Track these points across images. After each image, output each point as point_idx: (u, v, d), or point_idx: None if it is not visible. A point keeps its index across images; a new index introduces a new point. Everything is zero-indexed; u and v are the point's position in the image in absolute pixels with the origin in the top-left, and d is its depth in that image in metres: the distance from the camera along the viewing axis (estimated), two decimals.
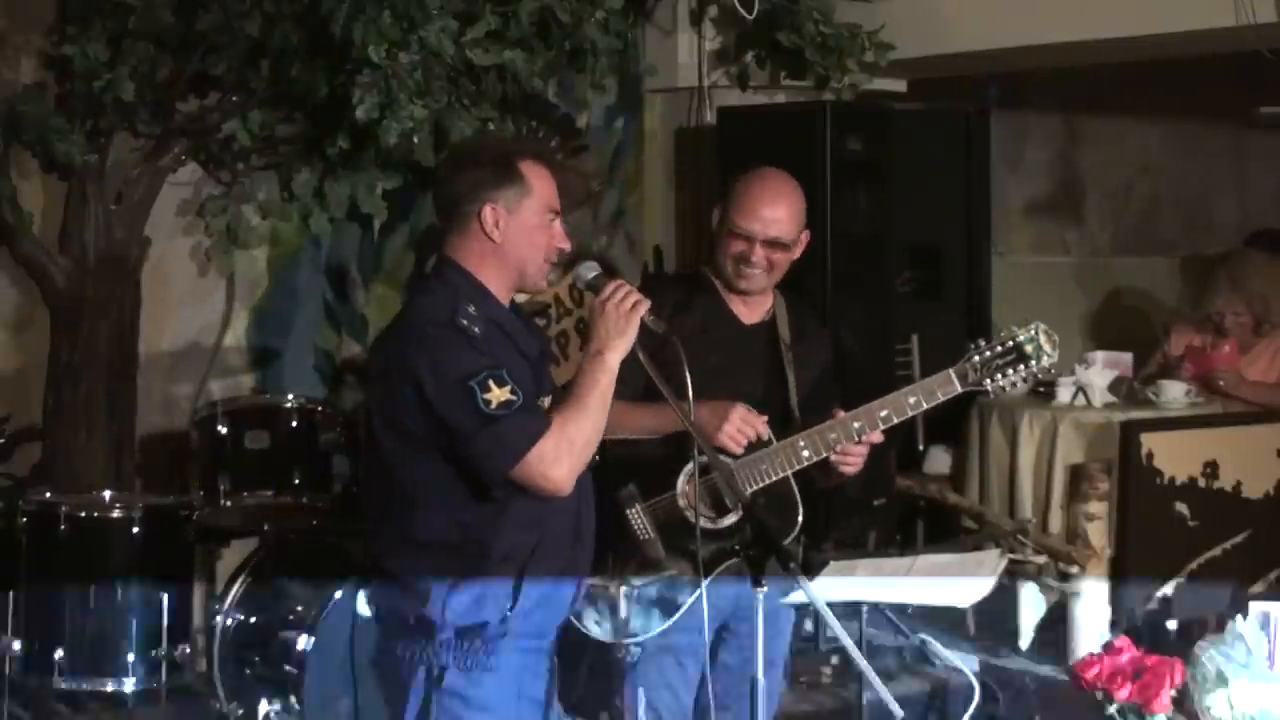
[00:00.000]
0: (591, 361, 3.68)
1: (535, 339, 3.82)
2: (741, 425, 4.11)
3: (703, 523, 4.12)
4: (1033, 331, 4.20)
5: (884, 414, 4.17)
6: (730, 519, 4.14)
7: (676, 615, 4.17)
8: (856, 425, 4.16)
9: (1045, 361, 4.20)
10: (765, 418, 4.16)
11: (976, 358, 4.18)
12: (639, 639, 4.14)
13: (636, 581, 4.10)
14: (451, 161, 3.82)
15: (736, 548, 3.98)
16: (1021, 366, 4.19)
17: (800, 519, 4.20)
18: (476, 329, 3.58)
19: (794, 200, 4.35)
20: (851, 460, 4.22)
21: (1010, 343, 4.19)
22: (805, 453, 4.16)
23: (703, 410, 3.93)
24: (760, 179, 4.37)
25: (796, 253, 4.38)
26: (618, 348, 3.68)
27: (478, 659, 3.62)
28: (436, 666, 3.61)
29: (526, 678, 3.71)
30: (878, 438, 4.20)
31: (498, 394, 3.52)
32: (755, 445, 4.16)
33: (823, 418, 4.22)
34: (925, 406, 4.19)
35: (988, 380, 4.18)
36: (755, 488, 4.12)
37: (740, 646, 4.17)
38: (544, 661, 3.78)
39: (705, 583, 3.95)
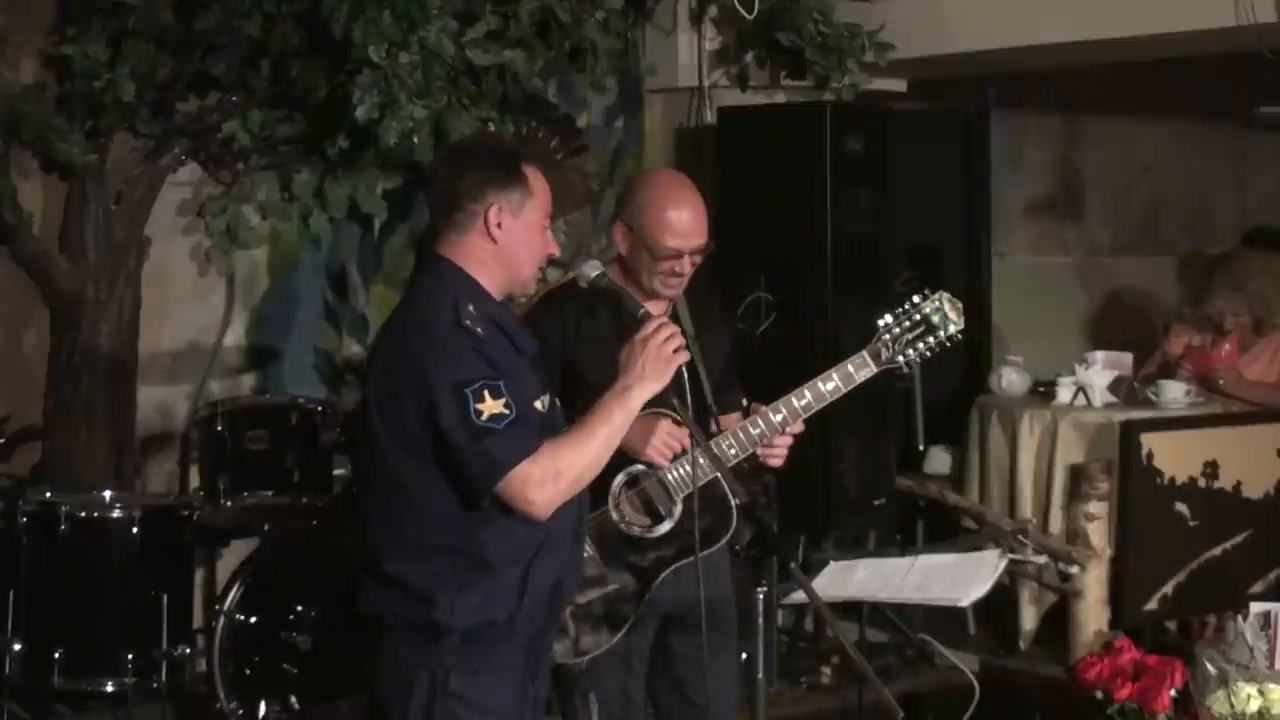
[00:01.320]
0: (615, 394, 3.63)
1: (529, 337, 3.79)
2: (667, 439, 4.10)
3: (637, 531, 4.15)
4: (937, 302, 4.17)
5: (804, 403, 4.15)
6: (665, 527, 4.14)
7: (627, 625, 4.17)
8: (778, 418, 4.14)
9: (952, 329, 4.17)
10: (686, 431, 4.09)
11: (887, 335, 4.16)
12: (592, 655, 4.17)
13: (581, 600, 4.11)
14: (453, 159, 3.77)
15: (737, 548, 3.98)
16: (930, 338, 4.17)
17: (735, 519, 4.17)
18: (480, 329, 3.55)
19: (698, 198, 4.31)
20: (777, 453, 4.22)
21: (917, 315, 4.16)
22: (732, 451, 4.14)
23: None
24: (665, 192, 4.29)
25: None
26: (648, 389, 3.64)
27: (483, 660, 3.59)
28: (440, 670, 3.58)
29: (528, 678, 3.69)
30: (799, 428, 4.19)
31: (490, 405, 3.47)
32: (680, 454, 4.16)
33: (732, 407, 4.25)
34: (844, 390, 4.16)
35: (900, 356, 4.16)
36: (686, 491, 4.09)
37: (686, 632, 4.18)
38: (544, 661, 3.77)
39: (696, 559, 3.94)
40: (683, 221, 4.24)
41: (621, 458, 4.02)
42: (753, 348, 6.44)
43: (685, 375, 3.70)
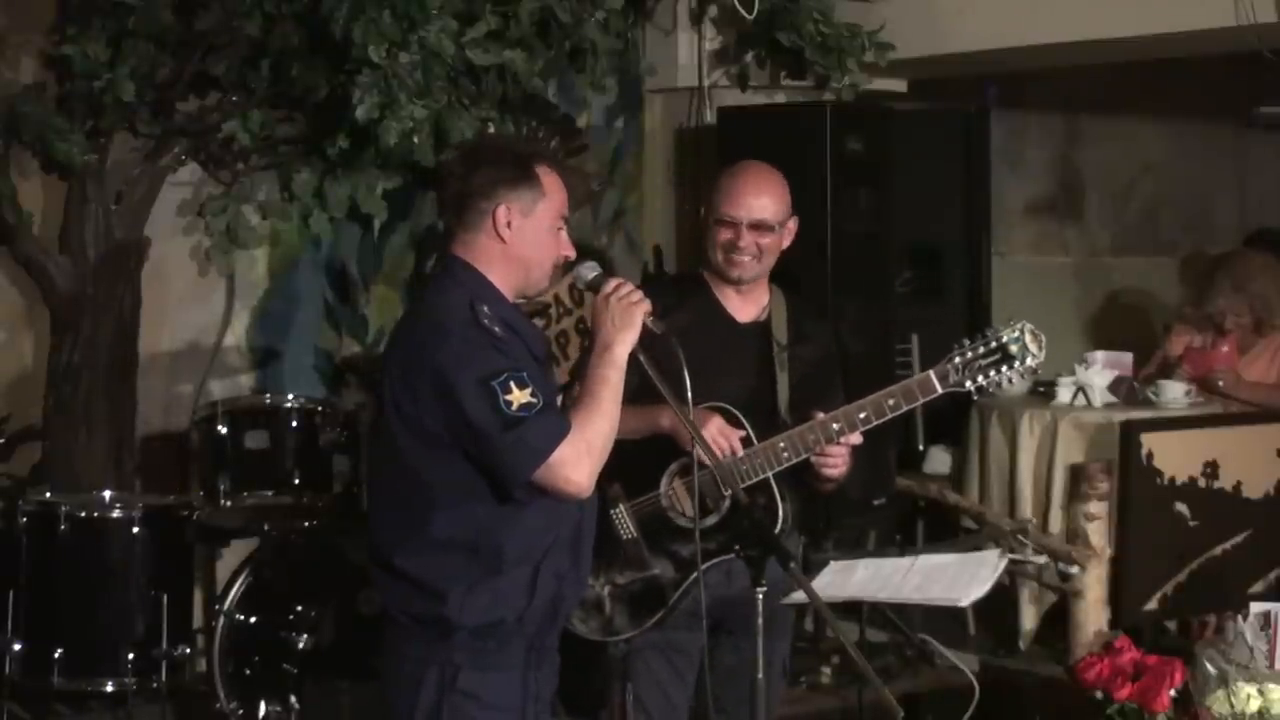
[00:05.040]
0: (600, 357, 3.69)
1: (541, 340, 3.83)
2: (716, 436, 4.10)
3: (684, 522, 4.15)
4: (1017, 331, 4.12)
5: (863, 416, 4.14)
6: (712, 519, 4.14)
7: (661, 613, 4.17)
8: (835, 427, 4.14)
9: (1031, 361, 4.12)
10: (742, 433, 4.13)
11: (958, 358, 4.12)
12: (624, 637, 4.16)
13: (620, 580, 4.12)
14: (465, 159, 3.79)
15: (737, 547, 3.98)
16: (1005, 367, 4.11)
17: (781, 519, 4.18)
18: (496, 328, 3.59)
19: (776, 184, 4.35)
20: (832, 461, 4.20)
21: (994, 343, 4.11)
22: (785, 454, 4.14)
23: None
24: (742, 169, 4.38)
25: (785, 239, 4.36)
26: (625, 340, 3.70)
27: (492, 658, 3.62)
28: (450, 666, 3.61)
29: (535, 675, 3.71)
30: (857, 439, 4.17)
31: (519, 395, 3.52)
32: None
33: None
34: (905, 408, 4.14)
35: (969, 381, 4.12)
36: (735, 489, 4.09)
37: (737, 648, 4.17)
38: (551, 659, 3.79)
39: (698, 572, 3.94)
40: (738, 189, 4.29)
41: (676, 447, 4.07)
42: None
43: (658, 334, 3.73)
